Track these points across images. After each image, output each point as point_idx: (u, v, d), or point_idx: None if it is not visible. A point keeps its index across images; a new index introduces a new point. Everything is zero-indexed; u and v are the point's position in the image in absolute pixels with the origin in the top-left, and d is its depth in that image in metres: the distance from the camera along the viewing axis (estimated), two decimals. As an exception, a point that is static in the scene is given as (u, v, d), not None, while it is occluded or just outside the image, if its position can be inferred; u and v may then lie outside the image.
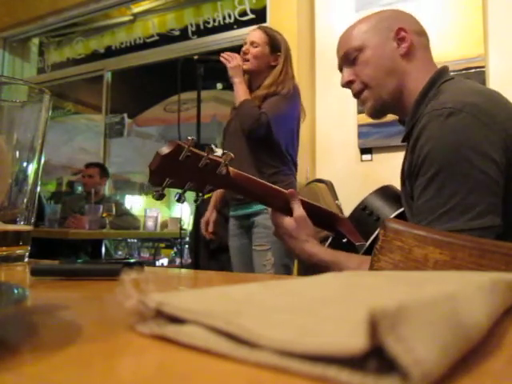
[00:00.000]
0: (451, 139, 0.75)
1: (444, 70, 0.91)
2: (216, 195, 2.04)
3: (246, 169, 1.78)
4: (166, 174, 0.69)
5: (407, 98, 0.91)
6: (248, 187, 0.79)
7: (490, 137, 0.75)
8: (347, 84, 0.97)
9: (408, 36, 0.91)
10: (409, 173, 0.83)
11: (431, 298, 0.20)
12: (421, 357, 0.14)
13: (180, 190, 0.73)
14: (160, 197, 0.72)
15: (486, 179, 0.73)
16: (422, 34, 0.95)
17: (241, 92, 1.76)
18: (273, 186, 0.84)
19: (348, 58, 0.96)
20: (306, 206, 0.89)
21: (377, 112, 0.97)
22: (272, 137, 1.73)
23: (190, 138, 0.69)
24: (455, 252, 0.55)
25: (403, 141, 0.91)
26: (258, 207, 1.75)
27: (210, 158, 0.71)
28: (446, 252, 0.56)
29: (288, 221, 0.85)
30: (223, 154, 0.74)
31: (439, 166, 0.75)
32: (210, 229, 2.03)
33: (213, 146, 0.72)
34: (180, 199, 0.74)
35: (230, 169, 0.75)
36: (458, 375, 0.16)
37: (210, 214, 2.05)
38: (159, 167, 0.68)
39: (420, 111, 0.85)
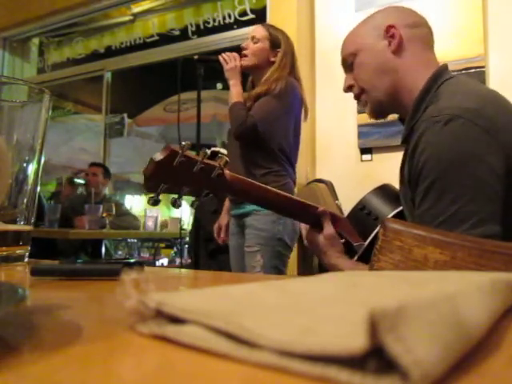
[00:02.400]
0: (449, 146, 0.74)
1: (443, 69, 0.89)
2: (229, 200, 2.02)
3: (237, 170, 1.79)
4: (161, 180, 0.69)
5: (405, 95, 0.90)
6: (244, 190, 0.79)
7: (490, 143, 0.73)
8: (348, 89, 0.99)
9: (397, 32, 0.90)
10: (409, 178, 0.82)
11: (431, 298, 0.20)
12: (421, 357, 0.14)
13: (176, 195, 0.73)
14: (155, 202, 0.72)
15: (484, 187, 0.72)
16: (416, 25, 0.93)
17: (234, 94, 1.75)
18: (271, 188, 0.84)
19: (346, 64, 0.98)
20: (303, 206, 0.88)
21: (377, 113, 0.98)
22: (261, 138, 1.70)
23: (184, 142, 0.69)
24: (455, 252, 0.55)
25: (403, 142, 0.90)
26: (249, 208, 1.72)
27: (204, 162, 0.71)
28: (445, 252, 0.56)
29: (320, 238, 0.88)
30: (218, 157, 0.74)
31: (437, 173, 0.74)
32: (222, 234, 2.03)
33: (207, 151, 0.72)
34: (176, 204, 0.74)
35: (226, 172, 0.75)
36: (458, 375, 0.16)
37: (223, 220, 2.04)
38: (154, 173, 0.68)
39: (419, 113, 0.84)
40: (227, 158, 0.74)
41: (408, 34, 0.91)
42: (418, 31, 0.92)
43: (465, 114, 0.74)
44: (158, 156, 0.68)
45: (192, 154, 0.71)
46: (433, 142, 0.76)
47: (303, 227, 0.93)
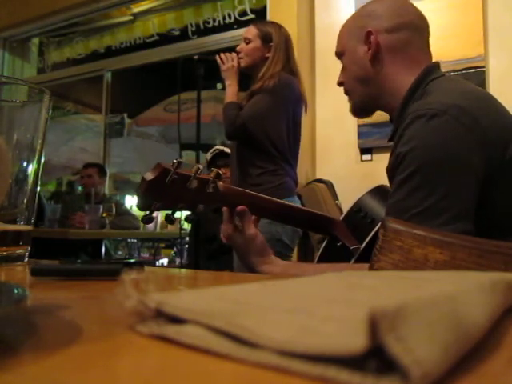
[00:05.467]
0: (431, 142, 0.74)
1: (432, 68, 0.89)
2: None
3: (234, 171, 1.78)
4: (154, 198, 0.69)
5: (392, 98, 0.90)
6: (238, 201, 0.79)
7: (472, 142, 0.73)
8: (340, 84, 1.01)
9: (374, 40, 0.90)
10: (390, 170, 0.82)
11: (431, 298, 0.20)
12: (421, 357, 0.14)
13: (170, 211, 0.73)
14: (148, 221, 0.72)
15: (461, 184, 0.72)
16: (399, 28, 0.90)
17: (228, 94, 1.76)
18: (264, 196, 0.83)
19: (339, 59, 1.00)
20: (299, 212, 0.88)
21: (357, 113, 1.02)
22: (253, 137, 1.69)
23: (175, 160, 0.69)
24: (455, 252, 0.55)
25: (389, 140, 0.90)
26: None
27: (197, 177, 0.71)
28: (445, 252, 0.56)
29: (239, 239, 0.82)
30: (210, 170, 0.74)
31: (416, 166, 0.74)
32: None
33: (199, 166, 0.71)
34: (170, 220, 0.74)
35: (220, 184, 0.74)
36: (458, 375, 0.16)
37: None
38: (146, 192, 0.68)
39: (406, 112, 0.84)
40: (219, 171, 0.74)
41: (387, 40, 0.90)
42: (399, 36, 0.90)
43: (450, 110, 0.74)
44: (149, 175, 0.68)
45: (184, 169, 0.71)
46: (416, 135, 0.76)
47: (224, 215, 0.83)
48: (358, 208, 0.91)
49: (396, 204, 0.76)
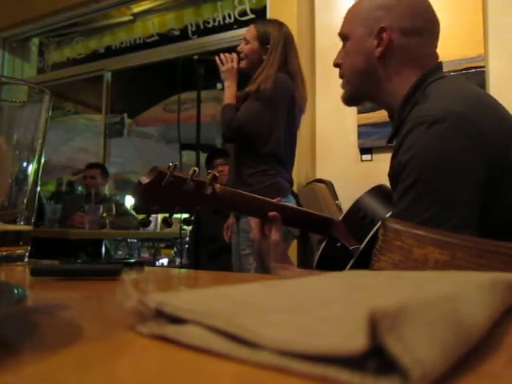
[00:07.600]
0: (431, 150, 0.74)
1: (433, 69, 0.87)
2: None
3: (231, 171, 1.79)
4: (151, 202, 0.69)
5: (390, 98, 0.89)
6: (235, 203, 0.79)
7: (472, 149, 0.73)
8: (336, 66, 0.98)
9: (387, 37, 0.87)
10: (392, 178, 0.82)
11: (431, 298, 0.20)
12: (421, 357, 0.14)
13: (167, 214, 0.74)
14: (145, 224, 0.72)
15: (462, 193, 0.72)
16: (414, 32, 0.88)
17: (226, 96, 1.76)
18: (262, 198, 0.83)
19: (342, 39, 0.97)
20: (297, 213, 0.88)
21: (348, 102, 0.99)
22: (247, 140, 1.70)
23: (171, 163, 0.68)
24: (455, 252, 0.56)
25: (388, 142, 0.90)
26: None
27: (193, 180, 0.71)
28: (445, 252, 0.56)
29: (265, 244, 0.85)
30: (207, 173, 0.74)
31: (417, 175, 0.73)
32: (228, 233, 2.03)
33: (196, 168, 0.71)
34: (167, 223, 0.74)
35: (217, 186, 0.74)
36: (458, 375, 0.16)
37: (231, 219, 2.04)
38: (142, 196, 0.68)
39: (405, 113, 0.83)
40: (216, 173, 0.74)
41: (399, 41, 0.87)
42: (412, 40, 0.88)
43: (450, 116, 0.73)
44: (145, 179, 0.67)
45: (180, 172, 0.71)
46: (416, 143, 0.75)
47: (253, 222, 0.88)
48: (357, 208, 0.91)
49: (399, 214, 0.75)
